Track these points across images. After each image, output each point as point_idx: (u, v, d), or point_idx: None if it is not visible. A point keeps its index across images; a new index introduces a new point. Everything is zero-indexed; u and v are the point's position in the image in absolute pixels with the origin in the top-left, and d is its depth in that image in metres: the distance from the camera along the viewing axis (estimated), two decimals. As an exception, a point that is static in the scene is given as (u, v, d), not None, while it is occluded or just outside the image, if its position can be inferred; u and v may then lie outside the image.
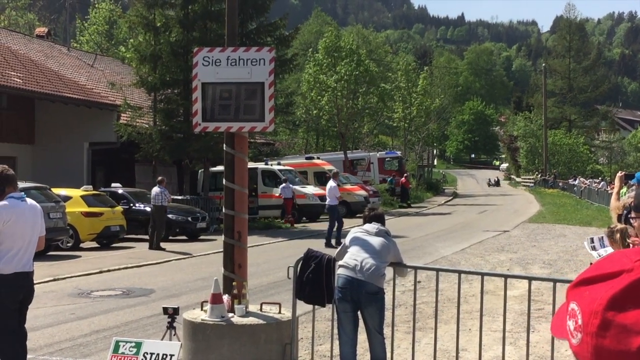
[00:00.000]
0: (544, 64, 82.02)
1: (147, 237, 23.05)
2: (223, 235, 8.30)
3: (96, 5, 67.89)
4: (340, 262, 7.19)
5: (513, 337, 9.69)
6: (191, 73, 8.34)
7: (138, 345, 8.00)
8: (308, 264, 7.49)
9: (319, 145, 67.92)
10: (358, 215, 33.17)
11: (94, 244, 23.22)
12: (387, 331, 7.42)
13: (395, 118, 58.89)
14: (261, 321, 7.68)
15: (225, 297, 7.84)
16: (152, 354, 7.84)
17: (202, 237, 25.56)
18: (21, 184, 20.29)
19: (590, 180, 57.58)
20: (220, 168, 28.16)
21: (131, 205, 25.31)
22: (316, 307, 7.86)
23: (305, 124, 61.27)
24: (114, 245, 23.47)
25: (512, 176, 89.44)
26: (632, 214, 4.10)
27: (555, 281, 6.95)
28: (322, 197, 34.84)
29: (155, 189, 22.73)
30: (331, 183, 23.10)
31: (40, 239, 6.99)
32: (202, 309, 7.98)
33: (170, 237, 24.32)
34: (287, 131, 61.40)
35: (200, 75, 8.13)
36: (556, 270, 16.46)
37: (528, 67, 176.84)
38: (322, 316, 9.90)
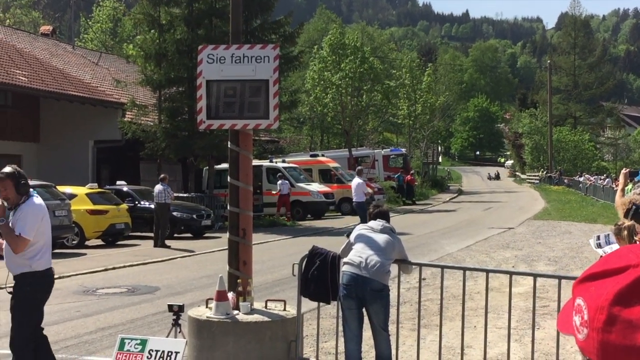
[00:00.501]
0: (549, 61, 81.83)
1: (152, 234, 23.08)
2: (228, 233, 8.30)
3: (100, 3, 67.91)
4: (345, 259, 7.19)
5: (518, 334, 9.68)
6: (196, 71, 8.34)
7: (143, 343, 8.01)
8: (313, 261, 7.49)
9: (323, 143, 67.92)
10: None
11: (99, 242, 23.25)
12: (392, 328, 7.42)
13: (399, 115, 58.83)
14: (266, 318, 7.69)
15: (230, 295, 7.85)
16: (157, 351, 7.85)
17: (207, 235, 25.58)
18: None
19: (596, 177, 57.45)
20: (225, 166, 28.09)
21: (136, 202, 25.34)
22: (321, 304, 7.87)
23: (310, 122, 61.30)
24: (119, 242, 23.50)
25: (517, 173, 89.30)
26: None
27: (560, 278, 6.94)
28: (327, 195, 34.94)
29: (158, 187, 22.75)
30: (357, 180, 22.76)
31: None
32: (207, 307, 7.99)
33: (175, 235, 24.33)
34: (291, 129, 61.47)
35: (205, 72, 8.13)
36: (561, 267, 16.43)
37: (533, 64, 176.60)
38: (327, 313, 9.91)
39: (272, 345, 7.56)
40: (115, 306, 12.34)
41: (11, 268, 6.71)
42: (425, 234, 25.23)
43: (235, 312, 7.74)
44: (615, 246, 6.43)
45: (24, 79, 29.11)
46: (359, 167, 26.37)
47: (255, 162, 29.86)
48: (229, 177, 8.30)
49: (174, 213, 24.29)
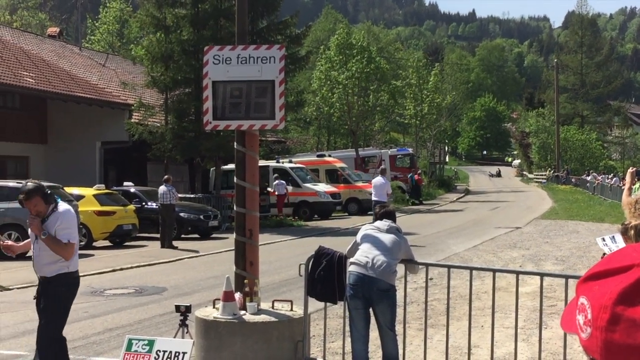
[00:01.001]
0: (555, 60, 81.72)
1: (159, 235, 23.10)
2: (234, 233, 8.32)
3: (107, 5, 68.06)
4: (351, 259, 7.19)
5: (525, 333, 9.66)
6: (202, 72, 8.36)
7: (151, 343, 8.03)
8: (319, 262, 7.50)
9: (330, 143, 67.91)
10: (369, 212, 33.18)
11: (107, 243, 23.30)
12: (399, 328, 7.42)
13: (406, 115, 58.80)
14: (273, 319, 7.69)
15: (237, 295, 7.86)
16: (164, 351, 7.87)
17: (214, 235, 25.61)
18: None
19: (603, 176, 57.29)
20: (232, 166, 28.18)
21: (143, 203, 25.39)
22: (328, 304, 7.87)
23: (317, 122, 61.29)
24: (126, 243, 23.55)
25: (525, 172, 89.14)
26: None
27: (567, 277, 6.93)
28: (334, 195, 34.94)
29: (162, 188, 22.79)
30: (381, 179, 22.53)
31: None
32: (214, 307, 8.00)
33: (183, 236, 24.37)
34: (298, 129, 61.49)
35: (211, 73, 8.15)
36: (569, 267, 16.39)
37: (540, 63, 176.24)
38: (334, 313, 9.91)
39: (279, 345, 7.57)
40: (123, 307, 12.37)
41: (45, 270, 6.80)
42: (432, 233, 25.21)
43: (242, 312, 7.76)
44: (622, 245, 6.42)
45: (31, 80, 29.20)
46: (383, 167, 26.22)
47: (262, 163, 29.96)
48: (235, 178, 8.31)
49: (181, 214, 24.32)
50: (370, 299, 6.96)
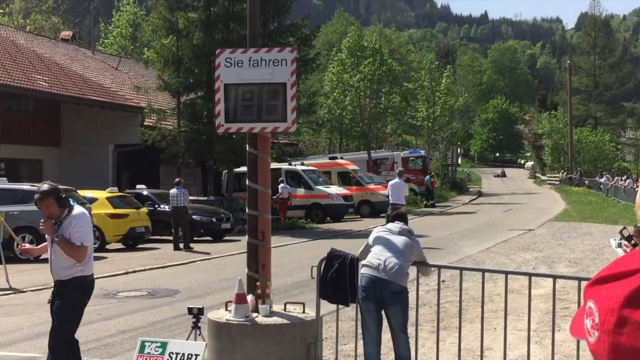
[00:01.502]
0: (568, 62, 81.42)
1: (172, 238, 23.17)
2: (247, 236, 8.33)
3: (120, 9, 68.35)
4: (363, 262, 7.19)
5: (538, 336, 9.63)
6: (214, 75, 8.38)
7: (164, 345, 8.06)
8: (331, 264, 7.50)
9: (342, 145, 67.89)
10: (381, 214, 33.15)
11: (120, 245, 23.39)
12: (411, 330, 7.41)
13: (418, 117, 58.71)
14: (285, 321, 7.70)
15: (250, 297, 7.87)
16: (177, 353, 7.90)
17: (226, 238, 25.65)
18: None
19: (617, 177, 57.02)
20: (244, 169, 28.22)
21: (156, 206, 25.47)
22: (340, 306, 7.87)
23: (329, 124, 61.31)
24: (139, 246, 23.63)
25: (537, 174, 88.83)
26: None
27: (580, 280, 6.90)
28: (346, 197, 34.93)
29: (174, 191, 22.87)
30: (398, 181, 22.38)
31: None
32: (226, 309, 8.02)
33: (195, 238, 24.42)
34: (310, 131, 61.51)
35: (223, 76, 8.17)
36: (582, 269, 16.32)
37: (553, 65, 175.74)
38: (346, 316, 9.91)
39: (291, 347, 7.57)
40: (136, 309, 12.41)
41: (60, 274, 6.84)
42: (444, 236, 25.16)
43: (255, 314, 7.77)
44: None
45: (44, 84, 29.36)
46: (400, 169, 26.14)
47: (274, 165, 29.98)
48: (247, 180, 8.33)
49: (194, 216, 24.38)
50: (383, 302, 6.96)
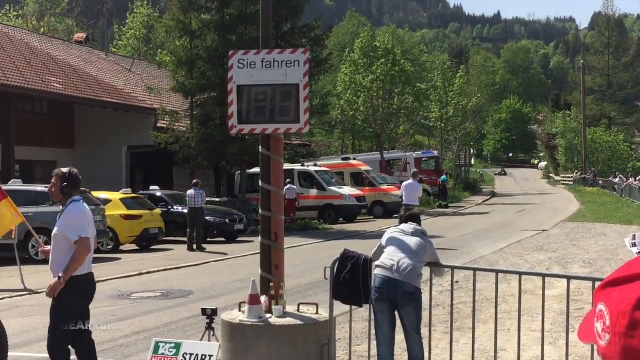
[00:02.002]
0: (582, 61, 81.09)
1: (185, 239, 23.25)
2: (260, 237, 8.35)
3: (134, 11, 68.59)
4: (377, 262, 7.19)
5: (552, 337, 9.60)
6: (227, 76, 8.40)
7: (177, 346, 8.09)
8: (345, 265, 7.50)
9: (355, 146, 67.86)
10: (395, 215, 33.12)
11: (134, 247, 23.47)
12: (424, 331, 7.40)
13: (431, 118, 58.63)
14: (299, 322, 7.71)
15: (263, 298, 7.88)
16: (191, 354, 7.92)
17: (239, 239, 25.71)
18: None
19: (631, 177, 56.72)
20: (257, 170, 28.21)
21: (169, 207, 25.55)
22: (353, 307, 7.87)
23: (341, 125, 61.28)
24: (153, 247, 23.71)
25: (551, 175, 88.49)
26: None
27: (594, 280, 6.87)
28: (359, 198, 34.91)
29: (191, 192, 23.00)
30: (411, 181, 22.25)
31: (94, 239, 7.18)
32: (240, 310, 8.03)
33: (209, 239, 24.48)
34: (323, 132, 61.48)
35: (236, 77, 8.19)
36: (597, 270, 16.25)
37: (566, 65, 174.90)
38: (360, 316, 9.91)
39: (304, 348, 7.58)
40: (150, 310, 12.46)
41: (55, 272, 6.83)
42: (457, 237, 25.11)
43: (268, 315, 7.78)
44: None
45: (58, 86, 29.51)
46: (415, 170, 26.13)
47: (287, 166, 30.01)
48: (260, 182, 8.35)
49: (207, 217, 24.44)
50: (396, 302, 6.95)
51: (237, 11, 29.07)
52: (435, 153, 54.37)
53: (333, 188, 34.28)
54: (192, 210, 22.78)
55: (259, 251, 8.43)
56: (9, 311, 11.99)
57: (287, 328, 7.59)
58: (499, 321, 7.47)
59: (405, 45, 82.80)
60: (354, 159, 43.06)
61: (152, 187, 27.11)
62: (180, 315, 11.87)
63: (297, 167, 34.32)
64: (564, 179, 77.57)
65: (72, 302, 6.78)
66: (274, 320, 7.71)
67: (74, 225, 6.71)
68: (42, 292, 14.28)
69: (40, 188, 20.61)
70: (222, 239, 25.46)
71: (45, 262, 7.42)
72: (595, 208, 39.34)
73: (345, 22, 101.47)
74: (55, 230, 6.86)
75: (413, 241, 7.15)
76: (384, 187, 38.32)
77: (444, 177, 46.51)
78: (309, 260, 18.84)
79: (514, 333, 8.47)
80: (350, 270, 7.42)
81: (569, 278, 7.23)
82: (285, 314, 7.85)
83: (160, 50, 56.98)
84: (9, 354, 7.45)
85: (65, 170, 7.06)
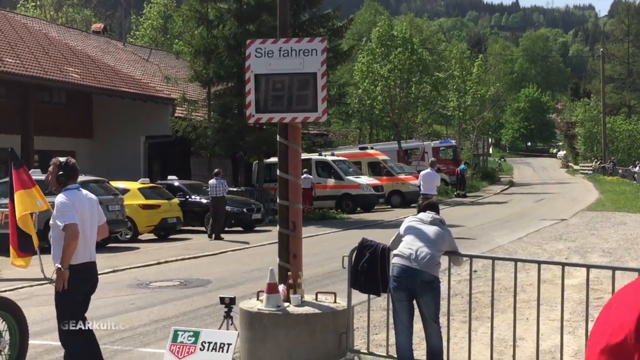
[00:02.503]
0: (601, 49, 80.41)
1: (203, 228, 23.32)
2: (278, 226, 8.36)
3: (151, 1, 68.71)
4: (395, 251, 7.17)
5: (571, 326, 9.56)
6: (244, 65, 8.40)
7: (196, 335, 8.12)
8: (363, 254, 7.49)
9: (372, 136, 67.76)
10: (412, 204, 33.06)
11: (152, 236, 23.58)
12: (443, 320, 7.39)
13: (449, 107, 58.40)
14: (317, 310, 7.72)
15: (281, 287, 7.90)
16: (210, 342, 7.95)
17: (257, 228, 25.76)
18: (80, 178, 20.71)
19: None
20: (275, 159, 28.22)
21: (187, 197, 25.63)
22: (371, 296, 7.87)
23: (359, 114, 61.23)
24: (171, 237, 23.80)
25: (570, 164, 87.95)
26: None
27: (614, 269, 6.83)
28: (377, 188, 34.87)
29: (212, 181, 23.11)
30: (429, 171, 22.15)
31: (102, 227, 7.12)
32: (258, 299, 8.05)
33: (226, 229, 24.55)
34: (340, 122, 61.47)
35: (253, 66, 8.18)
36: (616, 259, 16.15)
37: (585, 53, 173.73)
38: (378, 305, 9.90)
39: (322, 337, 7.59)
40: (168, 299, 12.52)
41: (54, 262, 6.84)
42: (475, 226, 25.03)
43: (286, 304, 7.80)
44: None
45: (76, 76, 29.62)
46: (432, 159, 25.95)
47: (304, 156, 29.99)
48: (278, 171, 8.35)
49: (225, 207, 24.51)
50: (414, 291, 6.94)
51: (255, 0, 29.02)
52: (453, 142, 54.22)
53: (350, 177, 34.26)
54: (214, 199, 22.91)
55: (277, 240, 8.45)
56: (29, 300, 12.08)
57: (305, 317, 7.61)
58: (518, 310, 7.44)
59: (422, 33, 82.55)
60: (372, 148, 43.00)
61: (170, 177, 27.21)
62: (198, 304, 11.92)
63: (314, 156, 34.30)
64: (583, 168, 77.02)
65: (69, 290, 6.66)
66: (292, 309, 7.72)
67: (60, 212, 6.63)
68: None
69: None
70: (240, 229, 25.50)
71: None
72: (614, 197, 39.06)
73: (362, 11, 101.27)
74: (50, 220, 6.83)
75: (431, 230, 7.13)
76: (402, 176, 38.25)
77: (462, 166, 46.34)
78: (326, 249, 18.86)
79: (532, 322, 8.43)
80: (368, 259, 7.42)
81: (588, 267, 7.18)
82: (303, 303, 7.86)
83: (177, 40, 57.07)
84: (30, 342, 7.49)
85: (62, 159, 7.08)
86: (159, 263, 17.28)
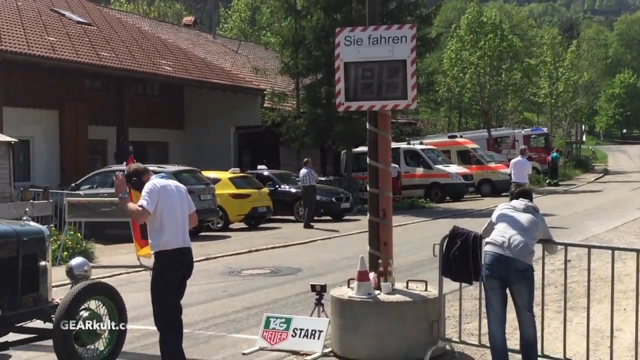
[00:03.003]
0: (702, 32, 77.10)
1: (292, 217, 23.54)
2: (368, 214, 8.36)
3: (240, -7, 69.61)
4: (487, 239, 7.07)
5: (672, 317, 9.23)
6: (333, 54, 8.42)
7: (288, 321, 8.23)
8: (454, 242, 7.42)
9: (461, 124, 66.94)
10: (503, 193, 32.54)
11: (243, 225, 23.93)
12: (536, 310, 7.25)
13: (540, 94, 57.11)
14: (408, 298, 7.70)
15: (372, 275, 7.91)
16: (301, 329, 8.05)
17: (346, 217, 25.82)
18: (173, 168, 21.20)
19: None
20: (363, 149, 28.21)
21: (277, 186, 25.90)
22: (463, 285, 7.79)
23: (448, 103, 60.57)
24: (261, 225, 24.10)
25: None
26: None
27: None
28: (466, 176, 34.45)
29: (303, 171, 23.33)
30: (520, 159, 21.74)
31: (192, 216, 7.23)
32: (349, 287, 8.09)
33: (315, 218, 24.70)
34: (428, 110, 60.90)
35: (343, 55, 8.20)
36: None
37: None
38: (469, 294, 9.80)
39: (414, 325, 7.57)
40: (260, 286, 12.69)
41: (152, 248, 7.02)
42: (569, 215, 24.47)
43: (377, 292, 7.80)
44: None
45: (169, 68, 30.27)
46: (523, 147, 25.42)
47: (393, 145, 29.79)
48: (368, 159, 8.35)
49: (313, 196, 24.67)
50: (507, 279, 6.83)
51: (344, -10, 28.95)
52: (545, 130, 52.99)
53: (439, 166, 33.96)
54: (305, 188, 23.13)
55: (366, 229, 8.45)
56: (127, 286, 12.46)
57: (396, 305, 7.60)
58: (615, 301, 7.24)
59: (512, 19, 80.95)
60: (461, 136, 42.46)
61: (259, 167, 27.54)
62: (289, 292, 12.05)
63: (403, 145, 34.11)
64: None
65: (161, 274, 6.81)
66: (382, 296, 7.72)
67: (143, 196, 6.79)
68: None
69: (152, 168, 21.22)
70: (329, 218, 25.62)
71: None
72: None
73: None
74: (123, 193, 6.98)
75: (524, 217, 7.00)
76: (492, 164, 37.67)
77: (554, 154, 45.29)
78: (416, 238, 18.77)
79: (630, 313, 8.20)
80: (460, 247, 7.34)
81: (690, 256, 6.92)
82: (394, 291, 7.86)
83: (265, 31, 57.59)
84: (128, 326, 7.72)
85: (138, 166, 7.28)
86: (250, 251, 17.55)
